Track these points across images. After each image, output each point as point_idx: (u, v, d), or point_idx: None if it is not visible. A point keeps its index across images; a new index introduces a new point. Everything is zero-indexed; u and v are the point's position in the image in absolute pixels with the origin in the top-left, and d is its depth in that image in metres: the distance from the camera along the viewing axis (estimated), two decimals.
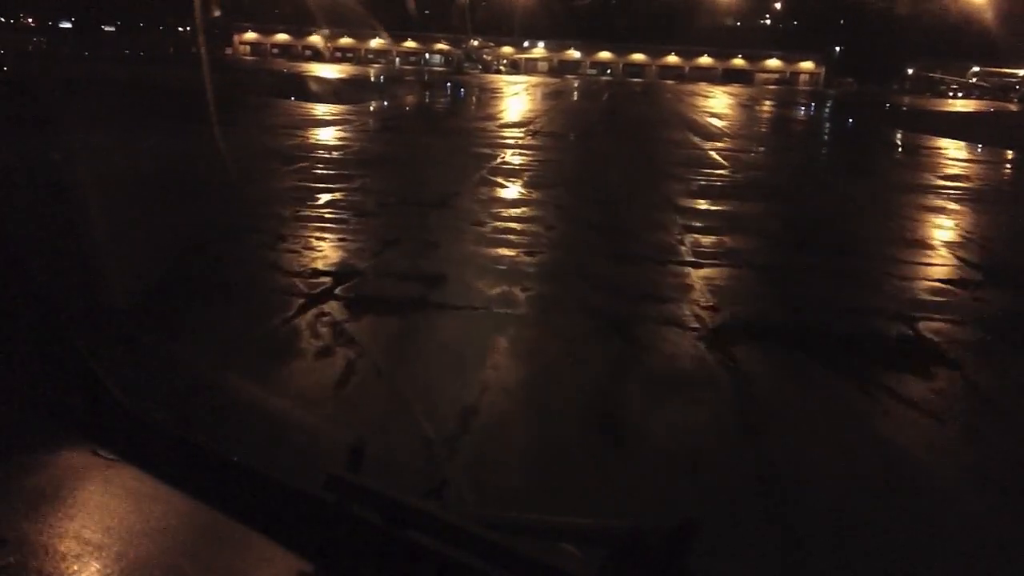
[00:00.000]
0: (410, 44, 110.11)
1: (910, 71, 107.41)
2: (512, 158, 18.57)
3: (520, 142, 22.40)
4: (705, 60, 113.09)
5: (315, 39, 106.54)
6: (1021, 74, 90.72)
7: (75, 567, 1.19)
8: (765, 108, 53.77)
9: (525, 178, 15.53)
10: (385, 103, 37.08)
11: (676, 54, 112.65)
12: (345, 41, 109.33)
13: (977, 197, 16.29)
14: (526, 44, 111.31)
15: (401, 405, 5.07)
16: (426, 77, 71.05)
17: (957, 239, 11.73)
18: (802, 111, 55.61)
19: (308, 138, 20.89)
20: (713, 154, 22.41)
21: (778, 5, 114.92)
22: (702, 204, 13.61)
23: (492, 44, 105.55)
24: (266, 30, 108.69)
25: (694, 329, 6.98)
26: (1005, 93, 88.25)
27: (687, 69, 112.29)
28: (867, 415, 5.44)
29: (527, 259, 9.20)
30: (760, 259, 9.91)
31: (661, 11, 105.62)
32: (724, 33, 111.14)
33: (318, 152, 18.18)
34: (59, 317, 1.71)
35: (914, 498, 4.37)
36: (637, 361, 6.21)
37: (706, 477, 4.44)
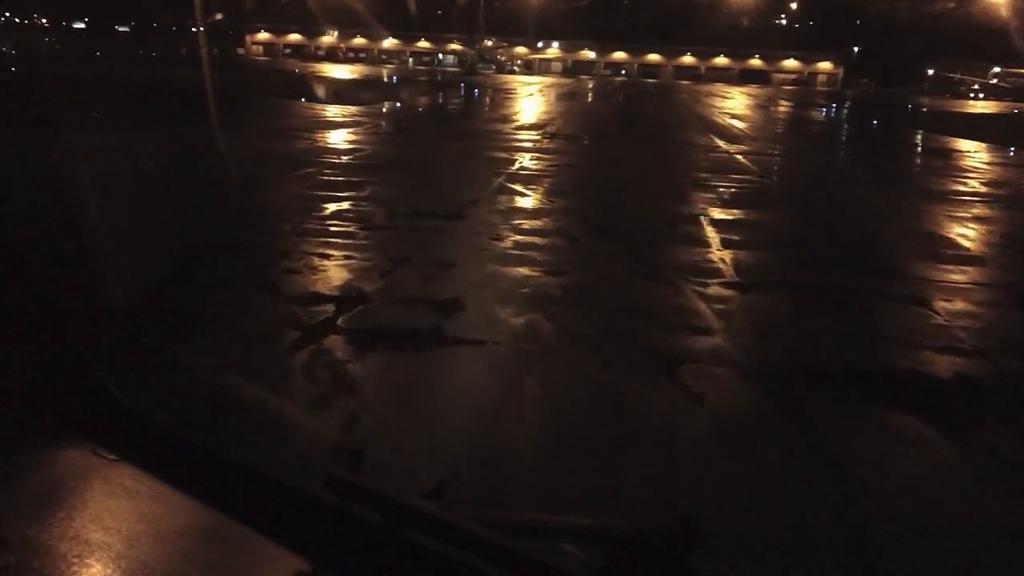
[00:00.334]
0: (423, 44, 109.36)
1: (930, 72, 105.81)
2: (530, 163, 17.63)
3: (537, 145, 21.46)
4: (721, 60, 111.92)
5: (321, 41, 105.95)
6: None
7: (75, 567, 1.19)
8: (785, 109, 52.64)
9: (545, 185, 14.58)
10: (397, 104, 36.21)
11: (692, 54, 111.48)
12: (358, 41, 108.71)
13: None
14: (540, 44, 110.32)
15: (410, 477, 4.11)
16: (439, 78, 70.19)
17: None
18: (823, 112, 54.43)
19: (317, 141, 20.03)
20: (739, 158, 21.38)
21: (794, 5, 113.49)
22: (736, 214, 12.62)
23: (506, 44, 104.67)
24: (278, 30, 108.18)
25: (747, 370, 6.02)
26: None
27: (703, 69, 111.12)
28: (973, 480, 4.48)
29: (552, 280, 8.26)
30: (807, 281, 8.92)
31: (676, 11, 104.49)
32: (740, 33, 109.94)
33: (326, 156, 17.30)
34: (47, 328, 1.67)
35: None
36: (691, 415, 5.25)
37: None
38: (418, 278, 8.02)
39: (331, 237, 9.63)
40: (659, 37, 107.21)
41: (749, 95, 70.06)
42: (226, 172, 14.33)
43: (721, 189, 15.31)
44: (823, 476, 4.48)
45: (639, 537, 1.12)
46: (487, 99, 46.11)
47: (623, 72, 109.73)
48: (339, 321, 6.60)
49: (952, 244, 11.27)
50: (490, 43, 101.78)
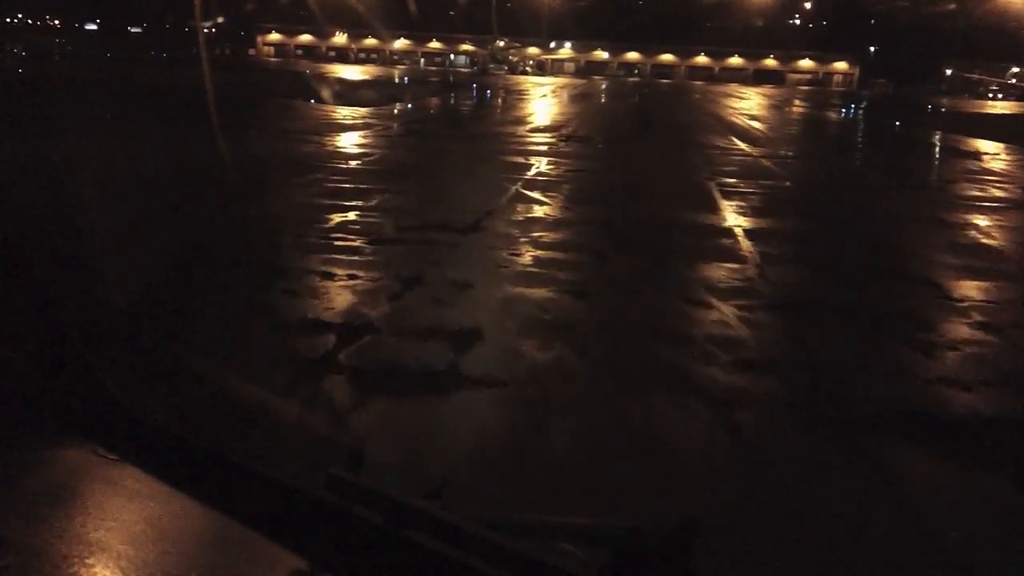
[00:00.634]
0: (435, 45, 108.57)
1: (948, 72, 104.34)
2: (547, 168, 16.79)
3: (554, 149, 20.62)
4: (735, 61, 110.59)
5: (332, 41, 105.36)
6: None
7: (76, 567, 1.18)
8: (803, 110, 51.59)
9: (565, 192, 13.74)
10: (409, 105, 35.42)
11: (705, 55, 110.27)
12: (369, 42, 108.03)
13: None
14: (552, 45, 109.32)
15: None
16: (451, 78, 69.40)
17: None
18: (842, 113, 53.33)
19: (325, 144, 19.25)
20: (764, 162, 20.49)
21: (808, 5, 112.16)
22: (770, 224, 11.76)
23: (518, 45, 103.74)
24: (290, 31, 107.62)
25: (813, 415, 5.18)
26: None
27: (717, 70, 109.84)
28: None
29: (579, 304, 7.43)
30: (857, 303, 8.05)
31: (690, 12, 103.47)
32: (754, 33, 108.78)
33: (334, 161, 16.52)
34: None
35: None
36: (757, 474, 4.41)
37: None
38: (431, 302, 7.19)
39: (335, 252, 8.82)
40: (672, 37, 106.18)
41: (765, 96, 68.94)
42: (228, 177, 13.55)
43: (751, 196, 14.43)
44: None
45: (639, 537, 1.11)
46: (500, 100, 45.28)
47: (635, 72, 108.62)
48: (340, 356, 5.78)
49: (1005, 258, 10.38)
50: (502, 44, 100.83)
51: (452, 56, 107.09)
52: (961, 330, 7.25)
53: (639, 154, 20.99)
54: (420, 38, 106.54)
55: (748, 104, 53.34)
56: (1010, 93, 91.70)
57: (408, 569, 1.20)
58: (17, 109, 20.72)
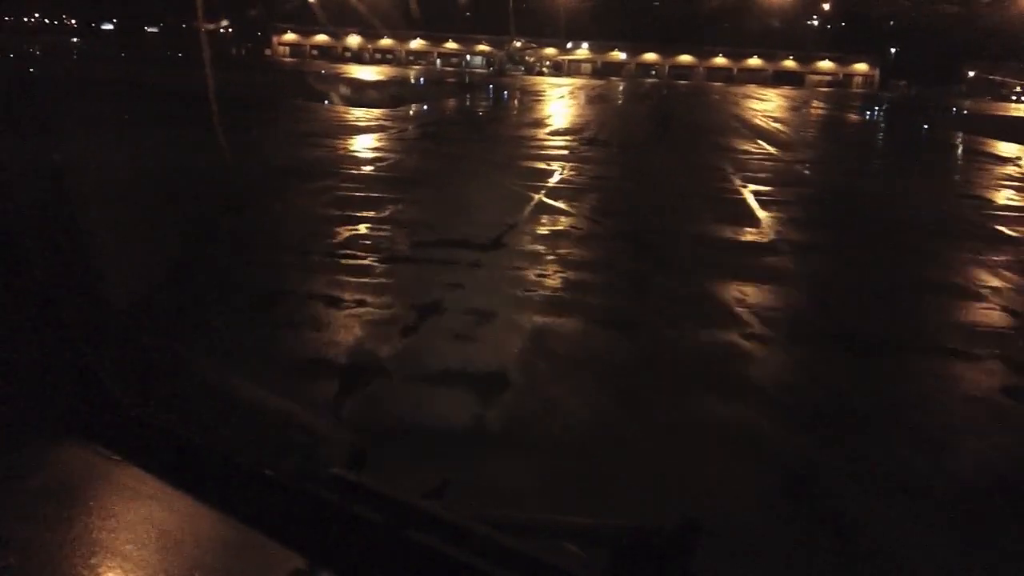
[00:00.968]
0: (451, 45, 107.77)
1: (970, 74, 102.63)
2: (570, 174, 15.83)
3: (576, 153, 19.65)
4: (754, 62, 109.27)
5: (348, 42, 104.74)
6: None
7: (77, 568, 1.18)
8: (827, 112, 50.37)
9: (592, 202, 12.79)
10: (424, 107, 34.54)
11: (724, 55, 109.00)
12: (385, 42, 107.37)
13: None
14: (569, 45, 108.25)
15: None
16: (467, 79, 68.51)
17: None
18: (866, 115, 52.11)
19: (337, 148, 18.37)
20: (798, 168, 19.50)
21: (827, 6, 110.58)
22: (820, 239, 10.78)
23: (534, 45, 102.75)
24: (305, 31, 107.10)
25: (927, 496, 4.21)
26: None
27: (735, 71, 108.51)
28: None
29: (619, 340, 6.48)
30: (934, 342, 7.05)
31: (708, 12, 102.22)
32: (773, 34, 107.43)
33: (346, 166, 15.64)
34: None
35: None
36: None
37: None
38: (450, 337, 6.26)
39: (342, 272, 7.91)
40: (690, 38, 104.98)
41: (786, 97, 67.69)
42: (232, 184, 12.71)
43: (790, 207, 13.43)
44: None
45: (641, 537, 1.12)
46: (517, 101, 44.31)
47: (653, 73, 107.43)
48: (342, 410, 4.86)
49: None
50: (519, 44, 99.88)
51: (468, 57, 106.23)
52: None
53: (666, 159, 19.97)
54: (436, 38, 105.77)
55: (769, 106, 52.18)
56: None
57: (410, 569, 1.19)
58: (22, 110, 19.96)
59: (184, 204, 10.80)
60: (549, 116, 33.40)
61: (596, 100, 48.04)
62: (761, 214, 12.55)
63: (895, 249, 10.84)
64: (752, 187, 15.23)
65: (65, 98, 24.99)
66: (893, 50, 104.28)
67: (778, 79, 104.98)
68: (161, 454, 1.46)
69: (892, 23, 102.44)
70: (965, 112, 56.83)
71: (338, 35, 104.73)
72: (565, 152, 19.78)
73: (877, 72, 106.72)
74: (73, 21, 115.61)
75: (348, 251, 8.78)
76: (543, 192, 13.33)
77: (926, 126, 41.86)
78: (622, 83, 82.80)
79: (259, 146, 17.89)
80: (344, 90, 39.88)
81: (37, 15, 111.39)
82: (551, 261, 8.80)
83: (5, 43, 68.29)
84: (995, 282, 8.94)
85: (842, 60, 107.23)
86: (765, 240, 10.69)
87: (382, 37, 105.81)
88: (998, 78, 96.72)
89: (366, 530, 1.21)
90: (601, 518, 1.21)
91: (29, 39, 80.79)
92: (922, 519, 4.01)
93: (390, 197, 12.10)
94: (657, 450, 4.59)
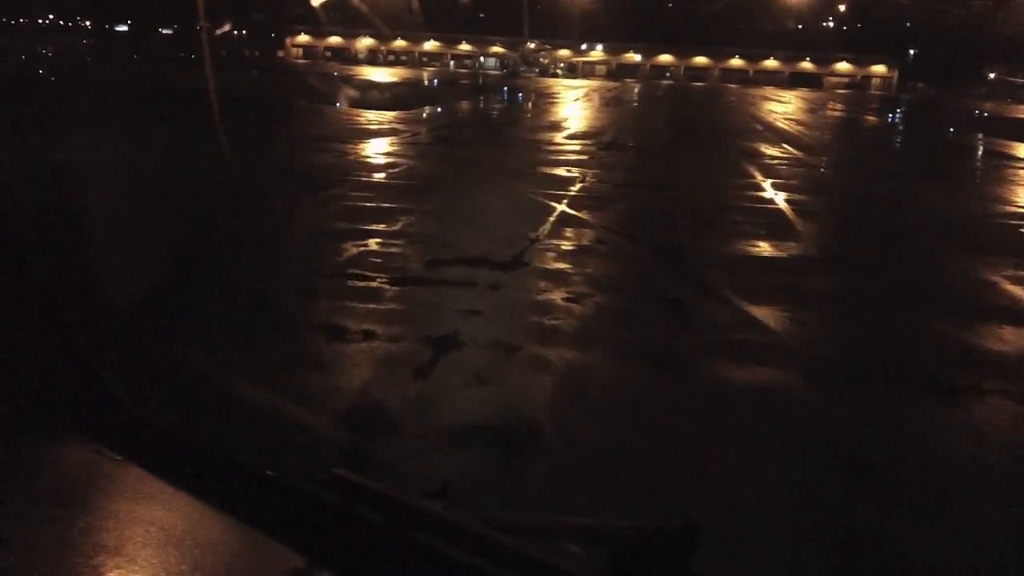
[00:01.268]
0: (464, 47, 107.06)
1: (991, 76, 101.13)
2: (592, 182, 14.99)
3: (596, 159, 18.80)
4: (770, 63, 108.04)
5: (361, 44, 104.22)
6: None
7: (78, 568, 1.17)
8: (848, 115, 49.26)
9: (618, 214, 11.94)
10: (438, 109, 33.76)
11: (740, 57, 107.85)
12: (398, 44, 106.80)
13: None
14: (583, 47, 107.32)
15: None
16: (481, 81, 67.69)
17: None
18: (889, 118, 50.97)
19: (348, 153, 17.60)
20: (830, 174, 18.62)
21: (842, 7, 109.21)
22: (872, 255, 9.90)
23: (549, 47, 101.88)
24: (318, 33, 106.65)
25: None
26: None
27: (751, 72, 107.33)
28: None
29: (663, 382, 5.64)
30: None
31: (723, 14, 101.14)
32: (789, 35, 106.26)
33: (357, 173, 14.85)
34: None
35: None
36: None
37: None
38: (469, 379, 5.42)
39: (348, 297, 7.10)
40: (705, 40, 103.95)
41: (804, 99, 66.51)
42: (235, 192, 11.95)
43: (829, 217, 12.56)
44: None
45: (643, 537, 1.11)
46: (532, 104, 43.43)
47: (667, 75, 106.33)
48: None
49: None
50: (533, 46, 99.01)
51: (482, 58, 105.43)
52: None
53: (691, 164, 19.05)
54: (450, 40, 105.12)
55: (789, 108, 51.12)
56: None
57: (410, 569, 1.19)
58: (20, 112, 19.31)
59: (180, 214, 10.02)
60: (565, 119, 32.52)
61: (612, 102, 47.13)
62: (800, 226, 11.67)
63: (944, 269, 9.94)
64: (785, 195, 14.34)
65: (67, 100, 24.38)
66: (912, 52, 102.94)
67: (795, 81, 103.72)
68: (162, 454, 1.46)
69: (908, 24, 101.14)
70: (986, 115, 55.58)
71: (351, 37, 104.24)
72: (584, 157, 18.93)
73: (896, 74, 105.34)
74: (87, 23, 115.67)
75: (356, 271, 7.97)
76: (565, 202, 12.49)
77: (952, 129, 40.78)
78: (637, 85, 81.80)
79: (266, 151, 17.13)
80: (356, 92, 39.12)
81: (51, 17, 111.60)
82: (579, 283, 7.96)
83: (18, 44, 68.20)
84: None
85: (860, 62, 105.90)
86: (810, 256, 9.83)
87: (395, 39, 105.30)
88: (1019, 80, 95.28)
89: (367, 530, 1.20)
90: (601, 518, 1.21)
91: (42, 40, 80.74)
92: None
93: (402, 207, 11.29)
94: (731, 543, 3.73)
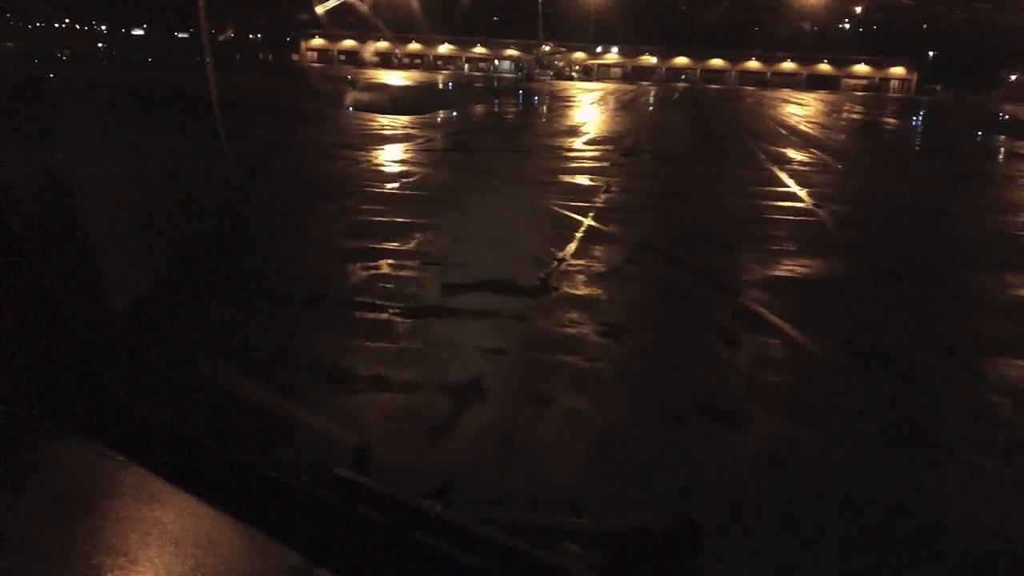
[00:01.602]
0: (479, 50, 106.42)
1: (1012, 78, 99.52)
2: (617, 191, 14.13)
3: (619, 166, 17.92)
4: (787, 65, 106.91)
5: (375, 47, 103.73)
6: None
7: (80, 567, 1.17)
8: (870, 117, 48.13)
9: (650, 228, 11.06)
10: (453, 113, 32.95)
11: (757, 59, 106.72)
12: (412, 47, 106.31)
13: None
14: (599, 49, 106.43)
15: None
16: (496, 84, 66.95)
17: None
18: (912, 120, 49.81)
19: (360, 160, 16.79)
20: (864, 181, 17.61)
21: (858, 9, 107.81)
22: (937, 273, 8.97)
23: (564, 49, 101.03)
24: (333, 37, 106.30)
25: None
26: None
27: (768, 75, 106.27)
28: None
29: (729, 442, 4.76)
30: None
31: (740, 16, 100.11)
32: (806, 37, 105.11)
33: (368, 183, 14.04)
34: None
35: None
36: None
37: None
38: (496, 442, 4.55)
39: (356, 332, 6.26)
40: (721, 42, 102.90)
41: (823, 101, 65.35)
42: (238, 205, 11.15)
43: (879, 231, 11.62)
44: None
45: (642, 537, 1.13)
46: (548, 108, 42.53)
47: (683, 77, 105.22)
48: None
49: None
50: (548, 48, 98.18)
51: (496, 61, 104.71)
52: None
53: (719, 171, 18.11)
54: (464, 43, 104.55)
55: (810, 111, 50.07)
56: None
57: (412, 569, 1.19)
58: (20, 116, 18.64)
59: (178, 225, 9.23)
60: (583, 123, 31.63)
61: (630, 106, 46.21)
62: (847, 241, 10.76)
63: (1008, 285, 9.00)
64: (824, 205, 13.41)
65: (71, 103, 23.73)
66: (931, 53, 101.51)
67: (812, 83, 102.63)
68: (164, 454, 1.45)
69: (925, 26, 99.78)
70: (1007, 117, 54.28)
71: (365, 40, 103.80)
72: (606, 164, 18.06)
73: (915, 76, 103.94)
74: (103, 27, 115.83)
75: (365, 299, 7.13)
76: (591, 215, 11.62)
77: (979, 133, 39.63)
78: (653, 87, 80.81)
79: (275, 158, 16.34)
80: (369, 96, 38.36)
81: (68, 20, 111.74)
82: (614, 312, 7.09)
83: (35, 48, 68.10)
84: None
85: (878, 63, 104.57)
86: (862, 274, 8.91)
87: (410, 42, 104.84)
88: None
89: (368, 530, 1.21)
90: (602, 518, 1.27)
91: (58, 44, 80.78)
92: None
93: (417, 223, 10.44)
94: None
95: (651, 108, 46.55)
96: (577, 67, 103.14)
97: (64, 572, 1.17)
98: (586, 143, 23.03)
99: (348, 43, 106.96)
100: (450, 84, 63.61)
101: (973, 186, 18.47)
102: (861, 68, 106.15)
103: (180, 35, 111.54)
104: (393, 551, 1.20)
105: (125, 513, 1.31)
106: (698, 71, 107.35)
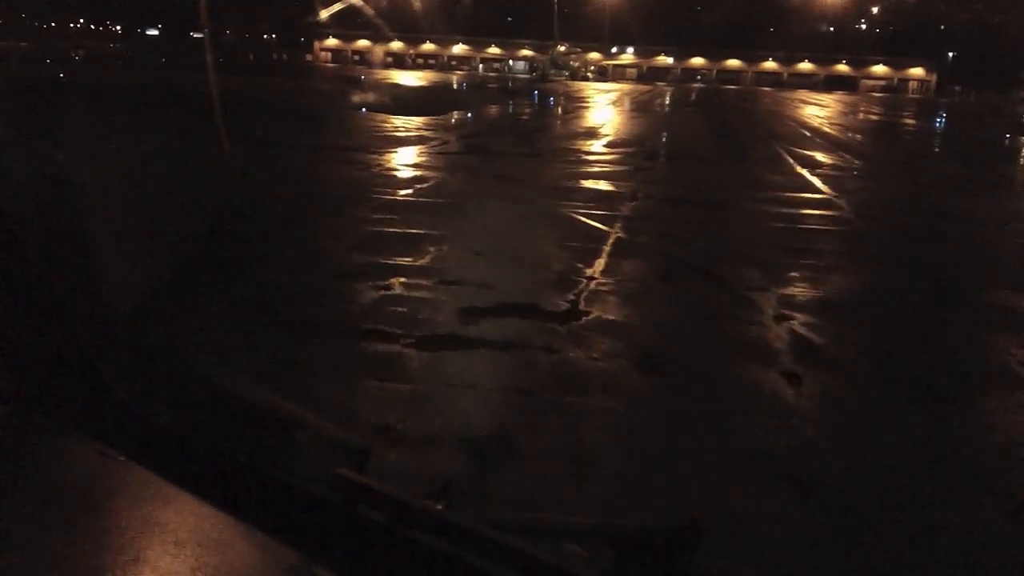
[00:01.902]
0: (493, 50, 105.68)
1: None
2: (644, 200, 13.31)
3: (643, 171, 17.10)
4: (805, 66, 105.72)
5: (389, 47, 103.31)
6: None
7: (79, 567, 1.18)
8: (894, 119, 47.03)
9: (683, 240, 10.23)
10: (468, 115, 32.17)
11: (773, 60, 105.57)
12: (426, 47, 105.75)
13: None
14: (614, 50, 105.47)
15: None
16: (510, 84, 66.17)
17: None
18: (937, 123, 48.72)
19: (371, 165, 16.03)
20: (903, 187, 16.69)
21: (875, 9, 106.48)
22: (999, 285, 8.12)
23: (579, 50, 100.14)
24: (346, 37, 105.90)
25: None
26: None
27: (785, 75, 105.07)
28: None
29: (810, 508, 3.94)
30: None
31: (757, 17, 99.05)
32: (822, 38, 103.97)
33: (380, 189, 13.26)
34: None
35: None
36: None
37: None
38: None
39: (362, 371, 5.47)
40: (737, 43, 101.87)
41: (843, 102, 64.20)
42: (243, 214, 10.41)
43: (930, 243, 10.75)
44: None
45: (644, 537, 1.12)
46: (565, 109, 41.65)
47: (698, 78, 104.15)
48: None
49: None
50: (563, 49, 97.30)
51: (511, 62, 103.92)
52: None
53: (748, 176, 17.19)
54: (478, 43, 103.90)
55: (831, 112, 48.99)
56: None
57: (412, 569, 1.19)
58: (24, 116, 18.01)
59: (167, 239, 8.47)
60: (601, 125, 30.78)
61: (647, 106, 45.34)
62: (901, 254, 9.91)
63: None
64: (868, 215, 12.55)
65: (75, 103, 23.13)
66: (951, 54, 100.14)
67: (830, 84, 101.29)
68: (165, 454, 1.45)
69: (943, 27, 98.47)
70: None
71: (379, 41, 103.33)
72: (629, 169, 17.23)
73: (935, 77, 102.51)
74: (118, 27, 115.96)
75: (373, 325, 6.34)
76: (617, 225, 10.82)
77: (1008, 136, 38.56)
78: (670, 88, 79.83)
79: (282, 162, 15.60)
80: (383, 96, 37.65)
81: (82, 21, 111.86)
82: (656, 343, 6.27)
83: (49, 48, 67.94)
84: None
85: (896, 64, 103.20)
86: (924, 292, 8.06)
87: (423, 42, 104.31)
88: None
89: (368, 530, 1.20)
90: (602, 518, 1.28)
91: (73, 44, 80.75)
92: None
93: (431, 234, 9.65)
94: None
95: (669, 109, 45.66)
96: (592, 68, 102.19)
97: (65, 572, 1.15)
98: (606, 146, 22.22)
99: (362, 43, 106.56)
100: (464, 85, 62.90)
101: (1013, 192, 17.52)
102: (879, 69, 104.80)
103: (196, 35, 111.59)
104: (393, 551, 1.18)
105: (126, 513, 1.30)
106: (714, 72, 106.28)
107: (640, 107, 44.39)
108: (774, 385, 5.50)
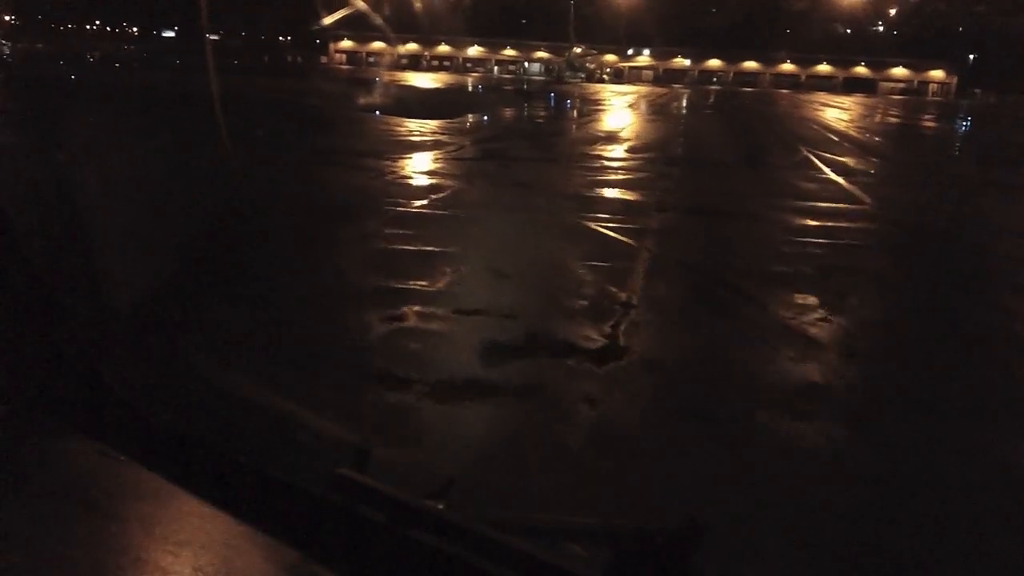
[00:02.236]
0: (509, 52, 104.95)
1: None
2: (675, 211, 12.44)
3: (670, 178, 16.20)
4: (823, 68, 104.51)
5: (399, 51, 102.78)
6: None
7: (80, 566, 1.16)
8: (916, 122, 45.93)
9: (719, 259, 9.35)
10: (484, 118, 31.35)
11: (791, 62, 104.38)
12: (442, 49, 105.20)
13: None
14: (630, 52, 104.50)
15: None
16: (526, 87, 65.34)
17: None
18: (962, 126, 47.53)
19: (385, 172, 15.23)
20: (945, 195, 15.75)
21: (892, 12, 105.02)
22: None
23: (595, 52, 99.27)
24: (361, 39, 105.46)
25: None
26: None
27: (803, 78, 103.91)
28: None
29: None
30: None
31: (774, 19, 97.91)
32: (840, 40, 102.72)
33: (392, 199, 12.44)
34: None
35: None
36: None
37: None
38: None
39: (370, 428, 4.63)
40: (754, 45, 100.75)
41: (864, 105, 63.00)
42: (245, 227, 9.63)
43: (988, 258, 9.84)
44: None
45: (644, 537, 1.10)
46: (582, 112, 40.73)
47: (714, 80, 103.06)
48: None
49: None
50: (579, 50, 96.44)
51: (527, 64, 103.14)
52: None
53: (781, 184, 16.26)
54: (494, 45, 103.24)
55: (854, 114, 47.94)
56: None
57: (413, 569, 1.17)
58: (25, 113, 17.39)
59: (157, 259, 7.68)
60: (621, 129, 29.85)
61: (666, 109, 44.39)
62: (965, 270, 9.01)
63: None
64: (919, 229, 11.63)
65: (81, 104, 22.51)
66: (972, 56, 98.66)
67: (848, 86, 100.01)
68: (166, 454, 1.43)
69: (961, 29, 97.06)
70: None
71: (394, 42, 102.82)
72: (653, 176, 16.36)
73: (955, 79, 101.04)
74: (134, 28, 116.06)
75: (384, 367, 5.50)
76: (648, 240, 9.97)
77: None
78: (687, 91, 78.77)
79: (291, 168, 14.84)
80: (397, 99, 36.90)
81: (99, 22, 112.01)
82: (713, 387, 5.42)
83: (65, 50, 67.82)
84: None
85: (916, 66, 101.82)
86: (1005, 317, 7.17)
87: (439, 44, 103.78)
88: None
89: (368, 530, 1.19)
90: (603, 518, 1.19)
91: (89, 45, 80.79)
92: None
93: (449, 252, 8.83)
94: None
95: (687, 112, 44.68)
96: (608, 70, 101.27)
97: (65, 572, 1.14)
98: (627, 152, 21.32)
99: (377, 45, 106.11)
100: (480, 87, 62.17)
101: None
102: (899, 71, 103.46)
103: (212, 37, 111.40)
104: (393, 551, 1.17)
105: (126, 512, 1.29)
106: (731, 74, 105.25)
107: (658, 110, 43.45)
108: (842, 440, 4.63)
